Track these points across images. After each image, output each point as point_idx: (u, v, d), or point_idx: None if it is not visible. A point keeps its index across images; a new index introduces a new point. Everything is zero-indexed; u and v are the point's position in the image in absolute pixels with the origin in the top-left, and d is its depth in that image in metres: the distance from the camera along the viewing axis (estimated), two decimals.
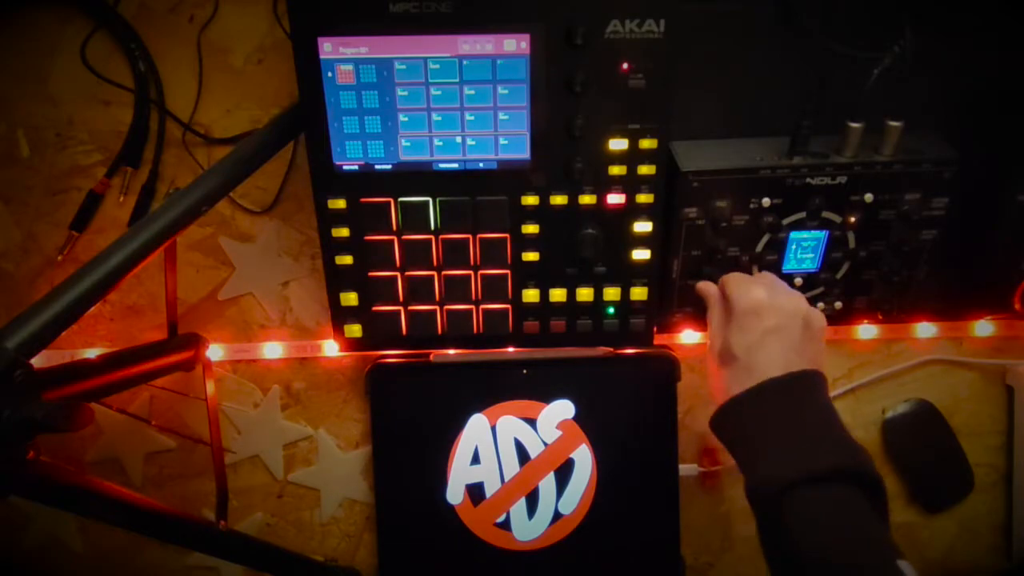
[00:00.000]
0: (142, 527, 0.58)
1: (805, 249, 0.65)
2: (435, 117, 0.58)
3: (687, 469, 0.78)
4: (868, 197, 0.62)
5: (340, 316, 0.66)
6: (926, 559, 0.82)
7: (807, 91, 0.60)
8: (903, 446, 0.78)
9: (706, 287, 0.63)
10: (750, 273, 0.65)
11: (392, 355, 0.73)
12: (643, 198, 0.61)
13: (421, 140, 0.59)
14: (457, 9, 0.54)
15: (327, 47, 0.55)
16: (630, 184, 0.60)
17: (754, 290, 0.56)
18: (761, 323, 0.55)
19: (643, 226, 0.62)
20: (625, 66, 0.56)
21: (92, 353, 0.73)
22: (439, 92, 0.57)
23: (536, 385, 0.74)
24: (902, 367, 0.77)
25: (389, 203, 0.61)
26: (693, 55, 0.62)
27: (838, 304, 0.67)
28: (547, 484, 0.76)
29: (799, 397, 0.53)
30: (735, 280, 0.59)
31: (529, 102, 0.57)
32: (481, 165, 0.60)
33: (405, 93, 0.57)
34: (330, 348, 0.74)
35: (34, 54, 0.65)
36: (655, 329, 0.68)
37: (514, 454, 0.75)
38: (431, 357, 0.72)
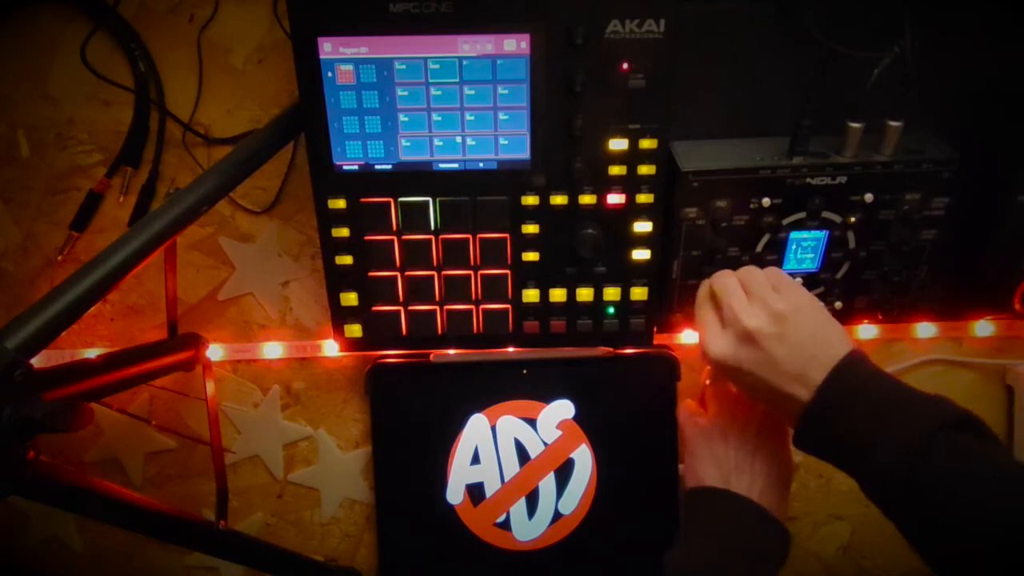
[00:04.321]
0: (142, 527, 0.58)
1: (805, 249, 0.65)
2: (435, 117, 0.58)
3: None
4: (868, 197, 0.62)
5: (340, 316, 0.66)
6: None
7: (807, 91, 0.60)
8: None
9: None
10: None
11: (392, 355, 0.73)
12: (643, 198, 0.61)
13: (421, 140, 0.59)
14: (457, 9, 0.54)
15: (327, 47, 0.55)
16: (630, 184, 0.60)
17: (709, 348, 0.55)
18: (739, 370, 0.54)
19: (643, 226, 0.62)
20: (625, 66, 0.56)
21: (92, 353, 0.73)
22: (439, 92, 0.57)
23: (536, 385, 0.74)
24: (902, 367, 0.76)
25: (389, 203, 0.61)
26: (693, 55, 0.62)
27: (838, 304, 0.67)
28: (547, 484, 0.76)
29: (867, 374, 0.52)
30: (699, 326, 0.58)
31: (529, 102, 0.57)
32: (481, 165, 0.60)
33: (405, 93, 0.57)
34: (330, 348, 0.74)
35: (34, 54, 0.65)
36: (655, 329, 0.68)
37: (514, 454, 0.75)
38: (431, 357, 0.72)
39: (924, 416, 0.49)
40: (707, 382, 0.66)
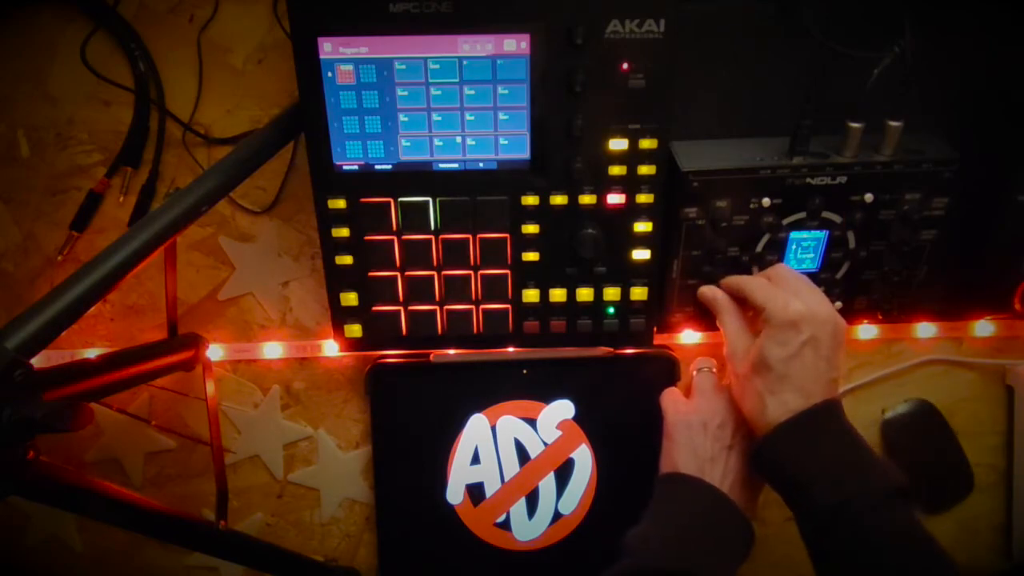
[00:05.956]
0: (142, 527, 0.58)
1: (805, 249, 0.65)
2: (435, 117, 0.58)
3: None
4: (868, 197, 0.62)
5: (340, 316, 0.66)
6: None
7: (807, 91, 0.60)
8: (903, 446, 0.78)
9: (711, 293, 0.64)
10: (750, 272, 0.65)
11: (392, 355, 0.73)
12: (643, 198, 0.61)
13: (421, 140, 0.59)
14: (457, 9, 0.54)
15: (327, 47, 0.55)
16: (630, 184, 0.60)
17: (792, 303, 0.56)
18: (799, 336, 0.55)
19: (643, 226, 0.62)
20: (625, 66, 0.56)
21: (92, 353, 0.73)
22: (439, 92, 0.57)
23: (536, 385, 0.74)
24: (902, 367, 0.76)
25: (389, 203, 0.61)
26: (693, 55, 0.62)
27: (838, 304, 0.67)
28: (547, 484, 0.76)
29: (836, 422, 0.55)
30: (763, 288, 0.59)
31: (529, 102, 0.57)
32: (481, 165, 0.60)
33: (405, 93, 0.57)
34: (330, 348, 0.74)
35: (34, 54, 0.65)
36: (655, 329, 0.68)
37: (514, 454, 0.75)
38: (431, 357, 0.72)
39: (881, 474, 0.52)
40: (694, 373, 0.66)
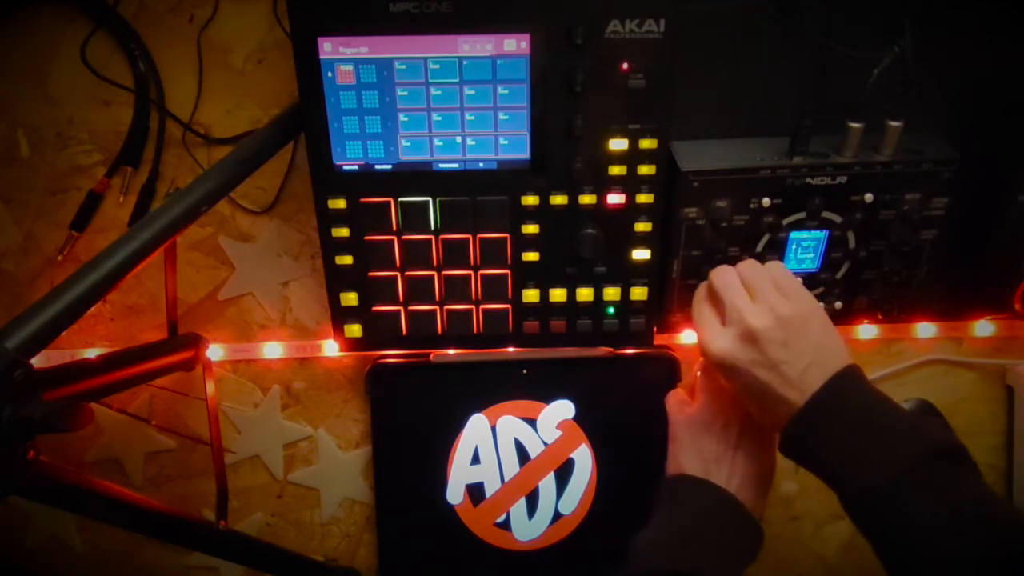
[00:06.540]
0: (142, 527, 0.58)
1: (805, 249, 0.65)
2: (435, 117, 0.58)
3: None
4: (868, 197, 0.62)
5: (340, 316, 0.66)
6: None
7: (807, 91, 0.60)
8: None
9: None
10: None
11: (392, 355, 0.73)
12: (643, 198, 0.61)
13: (421, 140, 0.59)
14: (457, 9, 0.54)
15: (327, 47, 0.55)
16: (630, 184, 0.60)
17: (712, 343, 0.55)
18: (735, 370, 0.54)
19: (643, 226, 0.62)
20: (625, 66, 0.56)
21: (92, 353, 0.73)
22: (439, 92, 0.57)
23: (536, 385, 0.74)
24: (902, 367, 0.77)
25: (389, 203, 0.61)
26: (693, 55, 0.62)
27: (838, 304, 0.67)
28: (547, 484, 0.76)
29: (842, 406, 0.52)
30: (698, 319, 0.59)
31: (529, 102, 0.57)
32: (481, 165, 0.60)
33: (405, 93, 0.57)
34: (330, 348, 0.74)
35: (34, 54, 0.65)
36: (655, 329, 0.68)
37: (514, 454, 0.75)
38: (431, 357, 0.72)
39: (908, 442, 0.49)
40: (698, 373, 0.66)
